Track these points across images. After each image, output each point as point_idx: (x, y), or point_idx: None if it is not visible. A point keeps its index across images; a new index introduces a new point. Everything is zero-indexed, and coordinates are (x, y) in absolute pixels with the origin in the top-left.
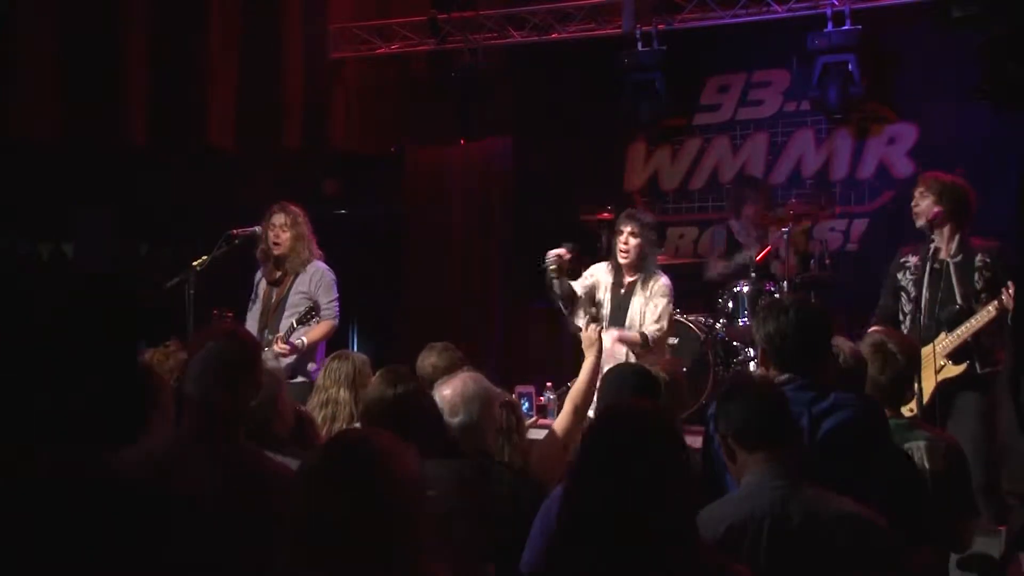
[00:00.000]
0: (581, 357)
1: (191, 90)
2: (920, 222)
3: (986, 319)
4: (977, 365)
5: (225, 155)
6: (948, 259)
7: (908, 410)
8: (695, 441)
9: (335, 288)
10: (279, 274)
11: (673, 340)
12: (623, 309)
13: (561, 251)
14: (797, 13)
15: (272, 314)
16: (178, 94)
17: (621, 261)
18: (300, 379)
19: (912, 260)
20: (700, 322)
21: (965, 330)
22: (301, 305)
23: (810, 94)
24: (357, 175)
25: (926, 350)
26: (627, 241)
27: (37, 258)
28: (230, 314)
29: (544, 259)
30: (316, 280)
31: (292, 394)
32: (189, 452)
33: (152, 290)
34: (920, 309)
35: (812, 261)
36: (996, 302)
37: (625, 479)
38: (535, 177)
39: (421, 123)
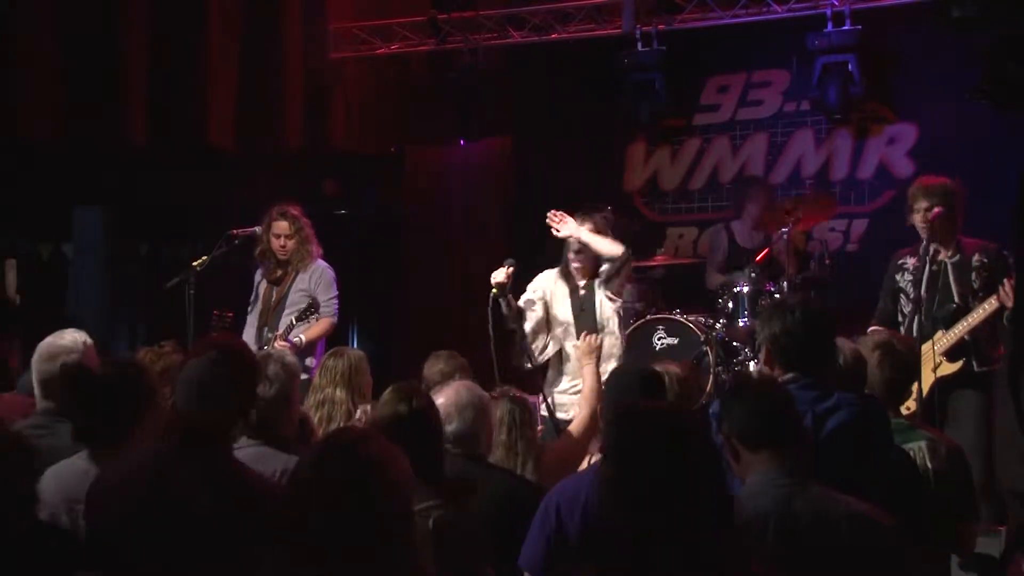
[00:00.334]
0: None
1: (191, 90)
2: (922, 233)
3: (983, 315)
4: (974, 363)
5: (225, 155)
6: (946, 259)
7: (905, 408)
8: None
9: (335, 286)
10: (280, 273)
11: (673, 340)
12: (589, 311)
13: (508, 270)
14: (797, 13)
15: (272, 312)
16: (178, 94)
17: (575, 267)
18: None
19: (910, 262)
20: (700, 322)
21: (962, 327)
22: (301, 303)
23: (810, 94)
24: (357, 175)
25: (924, 348)
26: (579, 249)
27: (37, 258)
28: (230, 314)
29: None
30: (316, 278)
31: None
32: (173, 466)
33: None
34: (919, 309)
35: (812, 261)
36: (994, 296)
37: (667, 477)
38: (535, 177)
39: (421, 123)
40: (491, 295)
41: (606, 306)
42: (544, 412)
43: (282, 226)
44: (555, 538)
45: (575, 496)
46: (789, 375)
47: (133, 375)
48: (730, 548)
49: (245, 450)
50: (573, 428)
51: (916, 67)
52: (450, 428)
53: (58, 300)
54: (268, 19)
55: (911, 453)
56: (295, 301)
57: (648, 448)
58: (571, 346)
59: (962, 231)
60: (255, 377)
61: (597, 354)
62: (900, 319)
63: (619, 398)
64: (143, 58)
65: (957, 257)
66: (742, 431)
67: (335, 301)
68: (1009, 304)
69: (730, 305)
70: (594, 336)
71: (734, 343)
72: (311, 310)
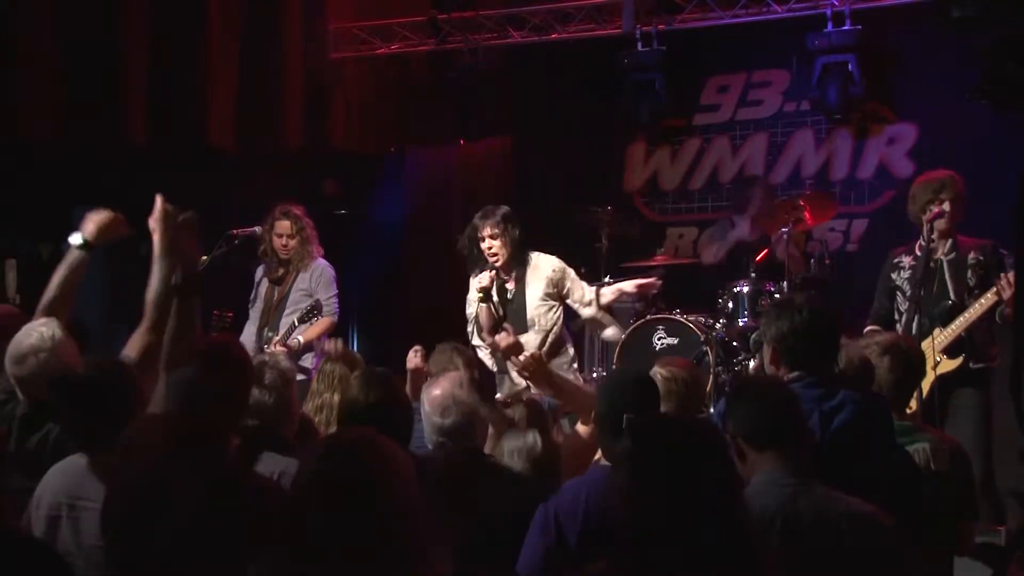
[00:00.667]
0: None
1: (191, 90)
2: (939, 226)
3: (981, 310)
4: (971, 360)
5: (225, 155)
6: (942, 257)
7: (908, 408)
8: None
9: (335, 284)
10: (281, 272)
11: (673, 340)
12: (520, 311)
13: (491, 274)
14: (797, 13)
15: (273, 312)
16: (178, 94)
17: (496, 265)
18: (300, 377)
19: (906, 260)
20: (700, 322)
21: (960, 323)
22: (302, 303)
23: (810, 94)
24: (357, 175)
25: (924, 345)
26: (491, 247)
27: (37, 258)
28: (230, 314)
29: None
30: (316, 276)
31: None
32: (169, 468)
33: None
34: (916, 307)
35: (812, 261)
36: (991, 291)
37: (691, 491)
38: (535, 177)
39: (421, 123)
40: (477, 301)
41: (536, 305)
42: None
43: (284, 225)
44: (555, 549)
45: (574, 503)
46: (794, 374)
47: (117, 373)
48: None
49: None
50: (580, 428)
51: (916, 67)
52: (447, 421)
53: None
54: (268, 19)
55: (915, 455)
56: (296, 300)
57: (667, 459)
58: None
59: (960, 229)
60: (247, 377)
61: (592, 410)
62: (896, 317)
63: (614, 403)
64: (143, 58)
65: (953, 255)
66: (748, 431)
67: (335, 300)
68: (1006, 295)
69: (730, 305)
70: (504, 335)
71: (734, 343)
72: (314, 312)
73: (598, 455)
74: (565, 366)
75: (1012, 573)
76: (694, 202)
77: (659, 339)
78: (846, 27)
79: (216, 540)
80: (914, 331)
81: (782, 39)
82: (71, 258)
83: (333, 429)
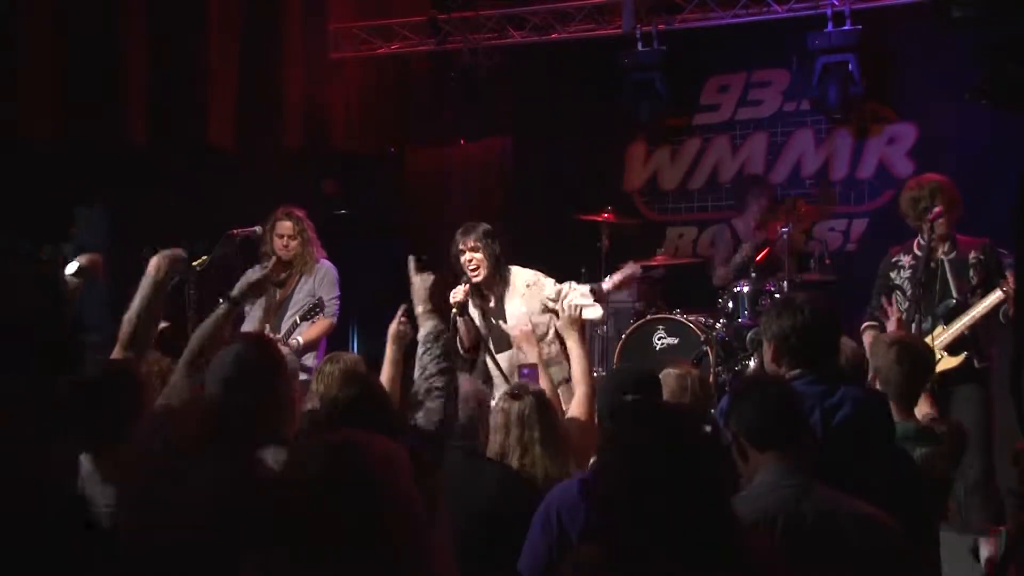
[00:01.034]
0: None
1: (191, 90)
2: (938, 229)
3: (986, 308)
4: (975, 359)
5: (225, 155)
6: (943, 257)
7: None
8: None
9: (337, 286)
10: (284, 275)
11: (673, 340)
12: (499, 328)
13: (465, 287)
14: (797, 13)
15: (274, 314)
16: (178, 94)
17: (475, 280)
18: (303, 376)
19: (904, 259)
20: (700, 322)
21: (964, 321)
22: (306, 304)
23: (810, 94)
24: (357, 175)
25: None
26: (471, 259)
27: (37, 258)
28: None
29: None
30: (320, 277)
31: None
32: (193, 455)
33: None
34: (917, 306)
35: (812, 261)
36: (998, 290)
37: (674, 473)
38: (535, 177)
39: (421, 123)
40: (451, 315)
41: (517, 320)
42: None
43: (286, 226)
44: (557, 547)
45: (575, 500)
46: (796, 371)
47: (120, 374)
48: (731, 547)
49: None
50: (576, 411)
51: (916, 67)
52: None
53: None
54: (268, 19)
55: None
56: (299, 302)
57: (639, 442)
58: (489, 360)
59: (960, 229)
60: (282, 369)
61: (579, 323)
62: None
63: (613, 399)
64: (143, 58)
65: (954, 254)
66: (751, 430)
67: (336, 301)
68: (1011, 293)
69: (730, 305)
70: (575, 306)
71: (734, 343)
72: (316, 309)
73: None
74: (559, 377)
75: (1012, 574)
76: (694, 202)
77: (659, 339)
78: (846, 27)
79: (231, 535)
80: (914, 330)
81: (782, 39)
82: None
83: None
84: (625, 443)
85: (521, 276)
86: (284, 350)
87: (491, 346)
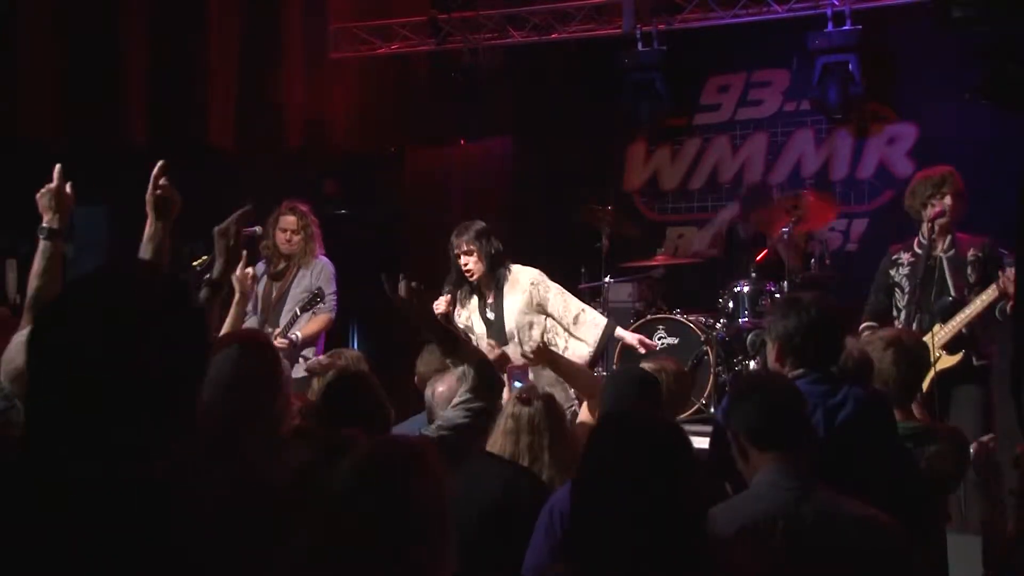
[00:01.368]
0: None
1: (191, 90)
2: (940, 222)
3: (982, 305)
4: (973, 357)
5: (225, 155)
6: (941, 254)
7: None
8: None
9: (334, 282)
10: (282, 267)
11: (673, 340)
12: (499, 324)
13: (447, 298)
14: (797, 13)
15: (272, 308)
16: (178, 94)
17: (471, 280)
18: (303, 374)
19: (904, 257)
20: (700, 322)
21: (961, 319)
22: (304, 296)
23: (810, 94)
24: (357, 175)
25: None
26: (466, 263)
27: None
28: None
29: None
30: (317, 273)
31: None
32: (196, 458)
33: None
34: (915, 304)
35: (812, 261)
36: (994, 286)
37: (643, 489)
38: (535, 177)
39: (421, 123)
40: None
41: (515, 318)
42: None
43: (290, 220)
44: (560, 549)
45: None
46: (799, 371)
47: None
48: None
49: None
50: (584, 418)
51: (916, 67)
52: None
53: None
54: (268, 19)
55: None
56: (296, 297)
57: (615, 453)
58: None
59: (958, 227)
60: (279, 369)
61: (548, 356)
62: (895, 313)
63: (616, 400)
64: (143, 58)
65: (952, 252)
66: (752, 430)
67: (334, 297)
68: (1011, 290)
69: (730, 305)
70: (534, 342)
71: (734, 343)
72: (316, 300)
73: None
74: (555, 380)
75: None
76: (694, 202)
77: (659, 339)
78: (846, 27)
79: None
80: (914, 327)
81: (782, 39)
82: (40, 248)
83: None
84: (596, 457)
85: (525, 274)
86: (284, 344)
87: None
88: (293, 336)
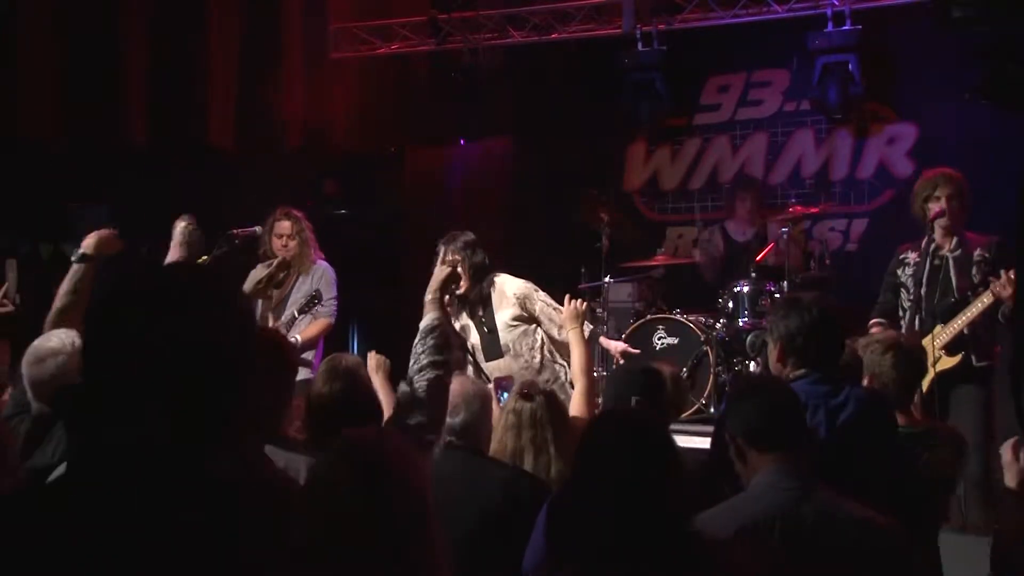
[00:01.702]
0: None
1: (191, 90)
2: (940, 222)
3: (980, 309)
4: (973, 357)
5: (225, 155)
6: (947, 254)
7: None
8: (691, 441)
9: (335, 287)
10: (282, 275)
11: (673, 340)
12: (494, 337)
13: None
14: (797, 13)
15: (272, 314)
16: (178, 94)
17: (457, 293)
18: (306, 375)
19: (911, 256)
20: (700, 322)
21: (960, 321)
22: (302, 300)
23: (810, 94)
24: (357, 175)
25: (924, 342)
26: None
27: (37, 258)
28: None
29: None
30: (318, 278)
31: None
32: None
33: None
34: (920, 304)
35: (812, 261)
36: (989, 291)
37: (629, 486)
38: (535, 177)
39: (421, 123)
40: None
41: (507, 329)
42: None
43: (285, 226)
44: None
45: None
46: (801, 371)
47: None
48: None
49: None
50: (576, 411)
51: (916, 67)
52: (457, 419)
53: None
54: (268, 19)
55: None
56: (296, 301)
57: (602, 450)
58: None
59: (968, 226)
60: (291, 365)
61: (582, 319)
62: (900, 313)
63: (620, 392)
64: (143, 58)
65: (959, 251)
66: (750, 431)
67: (334, 302)
68: (1006, 295)
69: (730, 305)
70: (579, 301)
71: (734, 343)
72: (313, 301)
73: None
74: (551, 383)
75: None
76: (694, 202)
77: (659, 339)
78: (846, 27)
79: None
80: (916, 327)
81: (782, 39)
82: (73, 271)
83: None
84: (580, 456)
85: (510, 285)
86: None
87: (480, 356)
88: (293, 339)
